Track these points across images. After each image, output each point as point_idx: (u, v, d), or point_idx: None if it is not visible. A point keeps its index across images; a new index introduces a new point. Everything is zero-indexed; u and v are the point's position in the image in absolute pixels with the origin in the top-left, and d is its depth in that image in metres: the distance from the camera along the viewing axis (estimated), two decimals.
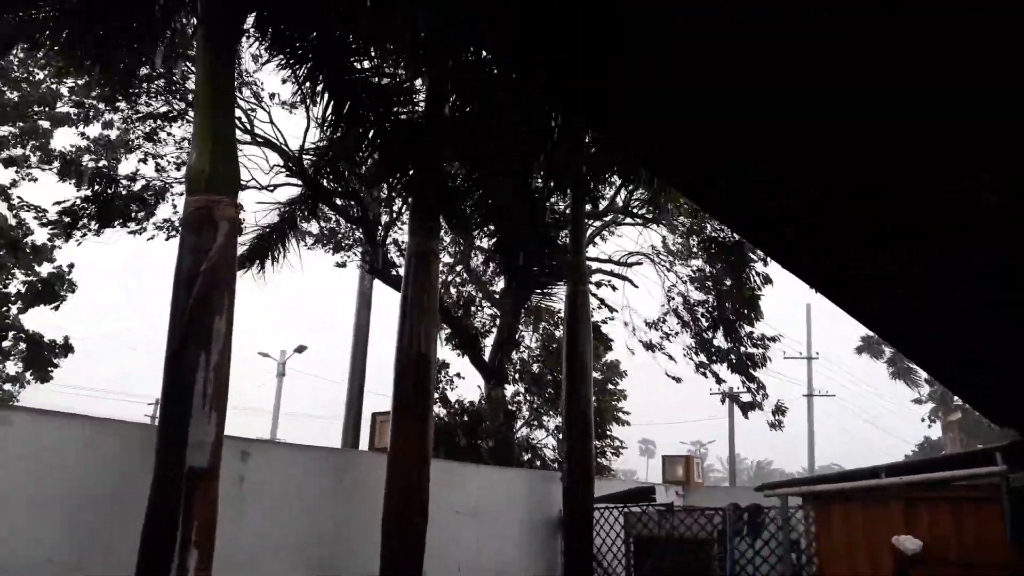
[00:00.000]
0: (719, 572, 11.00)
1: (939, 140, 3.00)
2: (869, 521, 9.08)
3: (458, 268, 16.87)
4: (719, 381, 18.36)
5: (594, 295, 18.29)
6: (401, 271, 11.13)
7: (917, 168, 3.22)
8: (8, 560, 6.46)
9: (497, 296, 17.39)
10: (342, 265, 16.63)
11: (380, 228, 14.39)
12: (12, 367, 16.88)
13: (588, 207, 16.15)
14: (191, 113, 13.67)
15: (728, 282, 17.00)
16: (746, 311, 16.85)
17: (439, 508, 9.84)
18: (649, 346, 18.57)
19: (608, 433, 19.82)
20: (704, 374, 17.92)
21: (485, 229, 10.56)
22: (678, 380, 18.65)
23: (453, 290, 17.23)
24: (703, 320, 17.70)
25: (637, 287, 19.53)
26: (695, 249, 17.61)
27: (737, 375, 17.66)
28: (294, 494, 9.21)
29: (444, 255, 15.77)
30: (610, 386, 20.62)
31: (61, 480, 6.96)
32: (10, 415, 6.93)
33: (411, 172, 10.52)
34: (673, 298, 18.38)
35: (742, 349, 17.26)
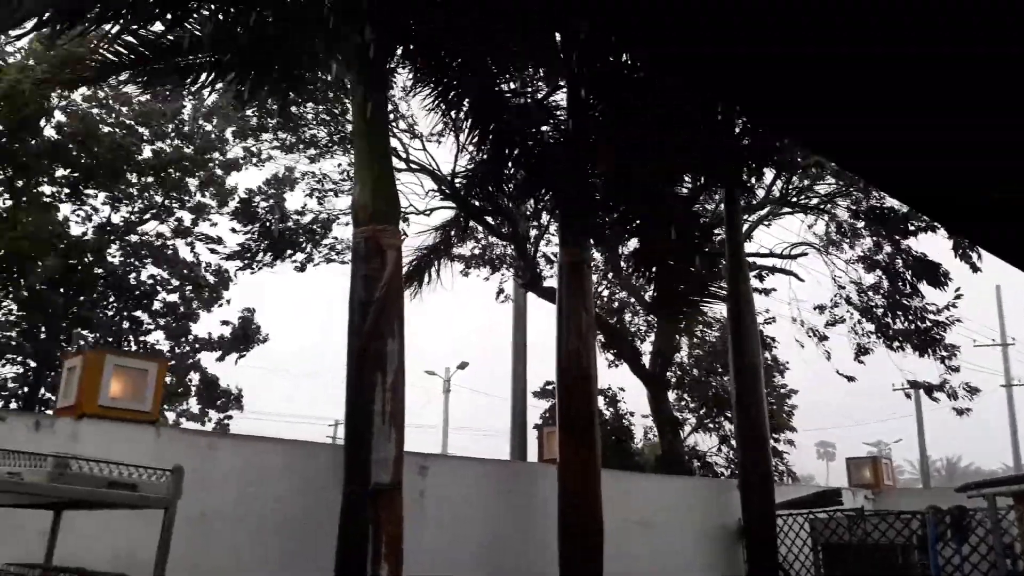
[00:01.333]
0: None
1: None
2: None
3: (610, 275, 16.80)
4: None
5: (757, 290, 17.64)
6: (554, 282, 11.22)
7: None
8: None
9: (650, 301, 17.17)
10: (500, 292, 17.00)
11: (530, 242, 14.60)
12: (195, 405, 18.42)
13: (743, 201, 15.63)
14: (349, 146, 14.58)
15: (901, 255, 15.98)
16: (926, 280, 15.74)
17: (610, 519, 9.77)
18: (821, 338, 17.66)
19: (780, 435, 18.95)
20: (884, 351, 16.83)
21: (630, 236, 10.42)
22: (851, 379, 17.58)
23: (605, 295, 17.16)
24: (878, 303, 16.68)
25: (803, 280, 18.65)
26: (860, 228, 16.61)
27: (921, 353, 16.43)
28: (471, 505, 9.48)
29: (597, 263, 15.78)
30: (776, 384, 19.71)
31: (261, 499, 7.53)
32: (216, 440, 7.60)
33: (555, 186, 10.60)
34: (843, 286, 17.39)
35: (924, 324, 16.08)
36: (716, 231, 15.92)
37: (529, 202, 13.14)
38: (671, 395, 18.65)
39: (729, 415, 15.54)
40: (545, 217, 14.44)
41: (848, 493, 14.18)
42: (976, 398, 17.26)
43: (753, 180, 14.38)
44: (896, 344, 16.58)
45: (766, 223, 18.42)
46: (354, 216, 8.28)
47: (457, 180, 13.53)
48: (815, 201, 17.13)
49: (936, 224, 14.61)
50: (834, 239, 17.74)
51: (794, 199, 17.25)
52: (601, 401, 17.29)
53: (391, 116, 12.40)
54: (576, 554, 8.95)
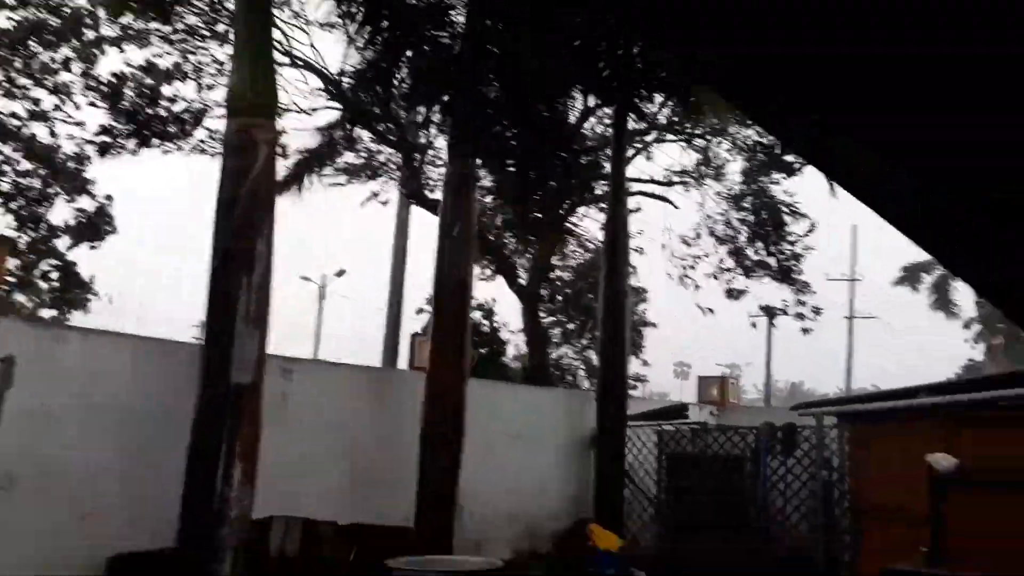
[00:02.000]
0: (751, 489, 11.15)
1: None
2: (906, 440, 9.04)
3: (494, 192, 16.76)
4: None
5: (633, 211, 18.11)
6: (439, 196, 11.09)
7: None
8: (60, 472, 6.79)
9: (533, 220, 17.32)
10: (377, 197, 16.58)
11: (418, 153, 14.28)
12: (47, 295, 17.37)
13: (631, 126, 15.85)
14: (231, 36, 13.56)
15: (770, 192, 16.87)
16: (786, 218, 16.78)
17: (476, 427, 10.05)
18: (684, 269, 18.48)
19: (640, 353, 19.92)
20: (733, 295, 17.90)
21: (517, 156, 10.36)
22: (710, 311, 18.62)
23: (489, 211, 17.17)
24: (742, 235, 17.62)
25: (678, 208, 19.25)
26: (739, 158, 17.29)
27: (778, 282, 17.63)
28: (336, 410, 9.48)
29: (483, 178, 15.68)
30: (637, 311, 20.59)
31: (111, 396, 7.24)
32: (64, 333, 7.20)
33: (449, 95, 10.35)
34: (711, 216, 18.17)
35: (782, 256, 17.20)
36: (603, 152, 16.15)
37: (419, 110, 12.79)
38: (544, 311, 19.16)
39: (595, 332, 16.12)
40: (435, 129, 14.15)
41: (696, 408, 15.17)
42: (821, 326, 18.71)
43: (641, 105, 14.57)
44: (752, 273, 17.62)
45: (648, 152, 18.82)
46: (228, 106, 7.83)
47: (345, 80, 12.93)
48: (700, 131, 17.56)
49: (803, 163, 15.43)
50: (709, 171, 18.38)
51: (678, 127, 17.61)
52: (478, 314, 17.53)
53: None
54: (435, 460, 9.18)
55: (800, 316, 18.52)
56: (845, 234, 33.80)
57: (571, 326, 19.12)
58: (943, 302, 29.23)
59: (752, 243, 17.61)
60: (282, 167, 13.85)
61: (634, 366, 19.58)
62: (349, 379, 9.90)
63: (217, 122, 15.06)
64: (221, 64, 14.40)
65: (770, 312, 18.44)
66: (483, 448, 10.74)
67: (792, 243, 17.29)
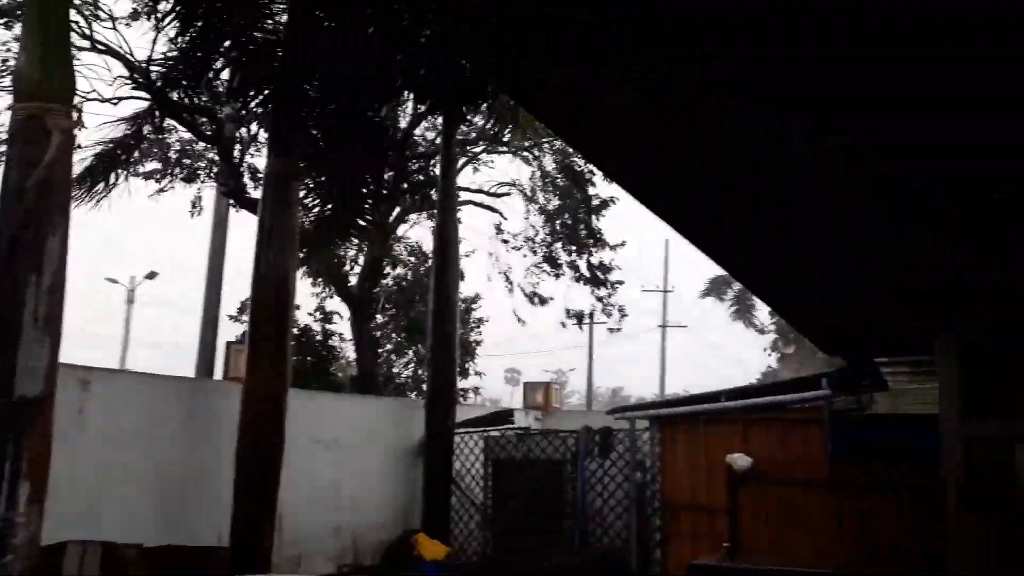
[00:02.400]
0: (571, 491, 11.55)
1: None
2: (709, 441, 9.75)
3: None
4: (573, 315, 19.22)
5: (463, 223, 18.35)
6: (259, 194, 10.61)
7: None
8: None
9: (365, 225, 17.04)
10: (197, 201, 15.68)
11: (237, 148, 13.58)
12: None
13: (460, 135, 16.05)
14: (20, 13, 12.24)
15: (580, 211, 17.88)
16: (594, 235, 17.96)
17: (297, 438, 9.73)
18: (506, 275, 19.09)
19: (469, 361, 20.09)
20: (536, 301, 18.74)
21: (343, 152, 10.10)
22: (520, 321, 19.35)
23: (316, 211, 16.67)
24: (558, 245, 18.53)
25: (506, 219, 19.72)
26: (558, 179, 18.11)
27: (591, 285, 18.58)
28: (141, 424, 8.81)
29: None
30: (471, 317, 20.83)
31: None
32: None
33: (269, 89, 9.94)
34: (534, 227, 18.90)
35: (591, 260, 18.37)
36: (432, 162, 16.21)
37: (237, 103, 12.17)
38: (376, 319, 18.88)
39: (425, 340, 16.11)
40: (255, 125, 13.53)
41: (521, 414, 15.54)
42: (640, 334, 20.06)
43: (470, 117, 14.78)
44: (561, 274, 18.68)
45: (476, 163, 19.14)
46: (15, 88, 7.05)
47: (154, 69, 12.04)
48: (527, 144, 18.10)
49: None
50: (535, 185, 19.02)
51: (506, 140, 18.05)
52: (309, 320, 16.96)
53: None
54: (252, 475, 8.76)
55: (607, 315, 19.68)
56: (662, 248, 36.08)
57: (403, 334, 18.95)
58: (743, 312, 31.92)
59: (566, 249, 18.59)
60: (83, 159, 12.73)
61: (472, 378, 19.87)
62: (157, 391, 9.22)
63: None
64: (7, 44, 12.97)
65: (578, 315, 19.42)
66: (305, 460, 10.41)
67: (601, 246, 18.36)
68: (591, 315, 19.63)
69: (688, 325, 37.54)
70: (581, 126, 3.77)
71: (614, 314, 19.61)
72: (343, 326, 17.48)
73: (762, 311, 30.54)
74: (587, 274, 18.62)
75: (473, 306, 20.23)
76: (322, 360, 16.56)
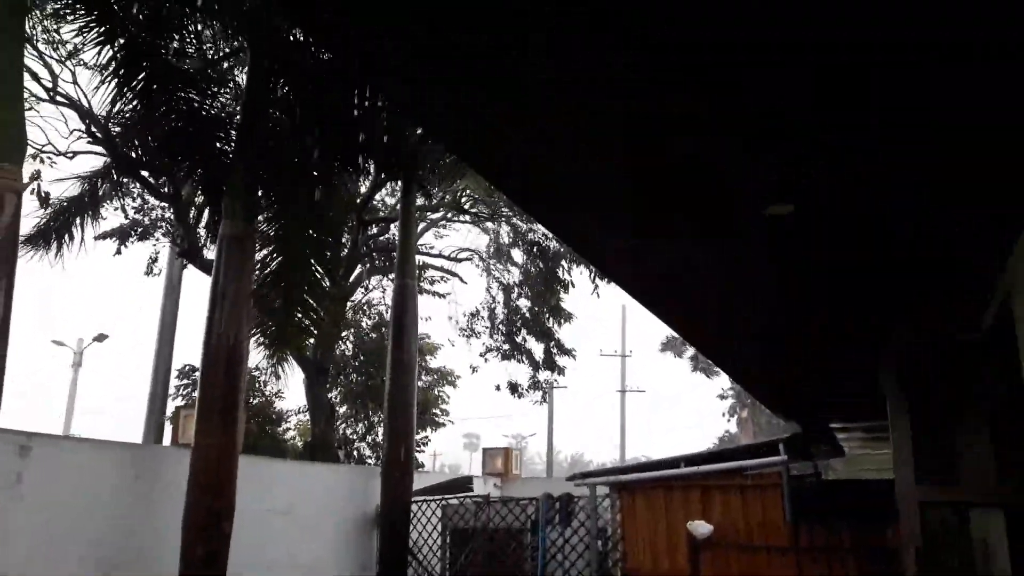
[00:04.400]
0: (531, 561, 11.32)
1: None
2: (669, 507, 9.69)
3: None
4: (529, 384, 19.21)
5: (424, 290, 18.42)
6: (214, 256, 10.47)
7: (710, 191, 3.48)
8: None
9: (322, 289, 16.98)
10: (153, 261, 15.49)
11: (194, 208, 13.46)
12: None
13: (420, 200, 16.22)
14: None
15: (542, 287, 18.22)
16: (556, 316, 18.26)
17: (248, 508, 9.42)
18: (470, 334, 19.14)
19: (430, 426, 19.82)
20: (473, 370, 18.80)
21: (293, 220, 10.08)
22: (474, 369, 19.46)
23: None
24: (517, 321, 18.67)
25: (466, 283, 19.89)
26: (521, 252, 18.42)
27: (543, 371, 18.73)
28: (84, 492, 8.44)
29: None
30: (436, 388, 20.67)
31: None
32: None
33: (206, 155, 9.89)
34: (494, 297, 19.03)
35: (549, 346, 18.51)
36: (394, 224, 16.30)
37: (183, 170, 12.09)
38: (330, 385, 18.59)
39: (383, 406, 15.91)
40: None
41: (480, 481, 15.30)
42: (599, 400, 20.50)
43: (428, 179, 14.96)
44: (519, 358, 18.94)
45: (441, 225, 19.33)
46: None
47: (114, 127, 11.95)
48: (486, 214, 18.38)
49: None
50: (497, 251, 19.24)
51: (466, 206, 18.30)
52: (262, 385, 16.59)
53: (31, 24, 10.53)
54: (200, 546, 8.42)
55: (536, 387, 19.71)
56: (616, 317, 36.43)
57: (359, 400, 18.66)
58: (701, 364, 31.95)
59: (527, 329, 18.71)
60: (35, 216, 12.51)
61: (432, 444, 19.69)
62: (102, 457, 8.88)
63: None
64: None
65: (513, 386, 19.41)
66: (257, 530, 10.08)
67: (560, 321, 18.49)
68: (550, 384, 19.61)
69: (646, 390, 37.68)
70: (540, 193, 3.83)
71: (545, 387, 19.82)
72: (298, 391, 17.18)
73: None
74: (542, 359, 18.81)
75: (447, 376, 20.18)
76: (275, 426, 16.16)
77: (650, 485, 10.04)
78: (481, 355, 19.28)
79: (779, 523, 8.75)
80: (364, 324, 19.22)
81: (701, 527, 8.54)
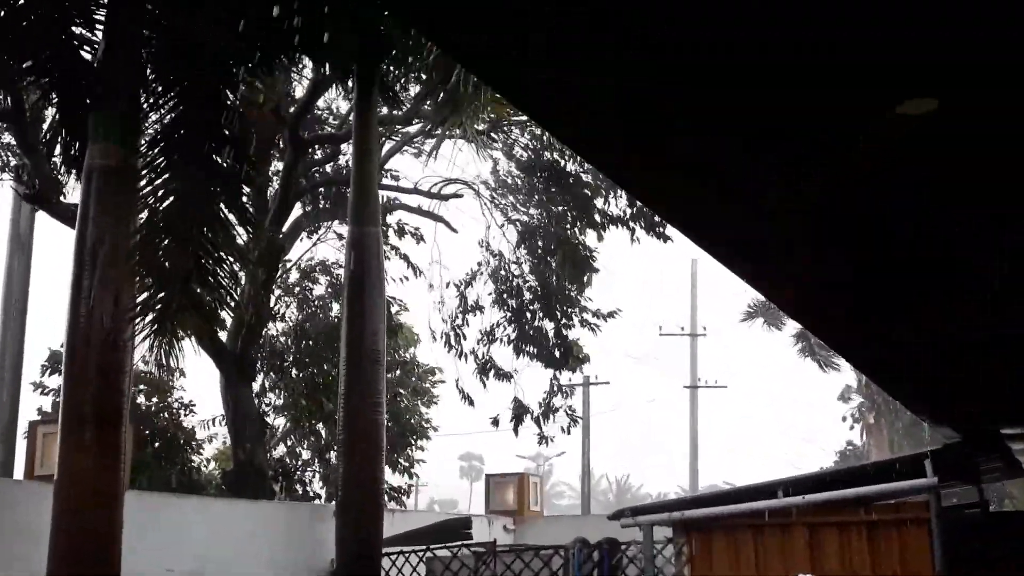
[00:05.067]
0: None
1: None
2: (761, 555, 9.67)
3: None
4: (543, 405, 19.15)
5: (393, 248, 18.34)
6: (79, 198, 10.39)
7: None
8: None
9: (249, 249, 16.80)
10: None
11: (46, 128, 13.33)
12: None
13: (385, 110, 16.05)
14: None
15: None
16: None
17: (141, 567, 9.47)
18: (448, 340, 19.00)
19: (411, 448, 19.91)
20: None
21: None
22: (471, 402, 19.23)
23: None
24: (526, 291, 18.56)
25: (455, 231, 19.71)
26: (536, 181, 18.25)
27: (554, 367, 19.01)
28: None
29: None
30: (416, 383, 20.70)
31: None
32: None
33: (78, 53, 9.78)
34: (495, 254, 18.90)
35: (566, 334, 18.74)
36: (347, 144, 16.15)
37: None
38: (258, 386, 18.60)
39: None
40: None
41: (483, 522, 15.34)
42: (656, 402, 20.29)
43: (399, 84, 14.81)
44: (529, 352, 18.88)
45: (419, 150, 19.14)
46: None
47: None
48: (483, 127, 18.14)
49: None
50: (499, 184, 19.12)
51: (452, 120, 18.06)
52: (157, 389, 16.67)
53: None
54: None
55: (543, 417, 19.40)
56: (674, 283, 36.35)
57: (304, 407, 18.73)
58: (811, 347, 31.33)
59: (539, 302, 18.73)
60: None
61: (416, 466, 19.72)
62: None
63: None
64: None
65: (518, 412, 19.16)
66: None
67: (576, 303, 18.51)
68: (519, 413, 19.28)
69: (727, 386, 37.60)
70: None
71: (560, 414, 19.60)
72: (212, 395, 17.21)
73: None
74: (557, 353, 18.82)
75: (422, 371, 20.20)
76: (177, 447, 16.24)
77: (733, 523, 10.00)
78: (480, 341, 19.12)
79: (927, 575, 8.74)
80: (311, 294, 19.18)
81: None
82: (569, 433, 19.78)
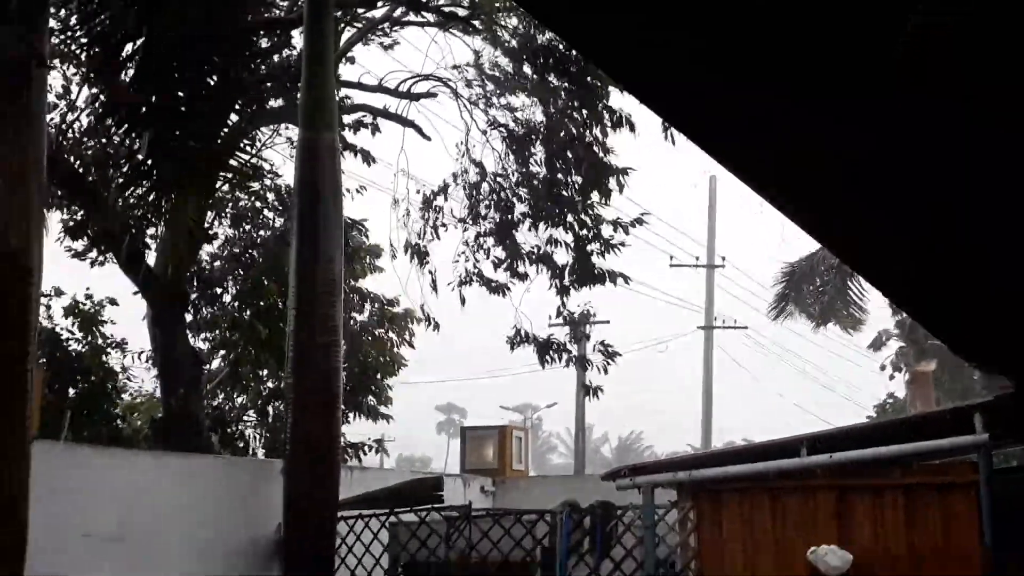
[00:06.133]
0: None
1: None
2: (779, 523, 9.73)
3: (96, 94, 15.91)
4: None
5: (351, 147, 18.18)
6: None
7: None
8: None
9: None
10: None
11: None
12: None
13: None
14: None
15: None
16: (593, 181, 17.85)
17: (53, 531, 9.57)
18: (418, 253, 18.84)
19: (376, 394, 19.93)
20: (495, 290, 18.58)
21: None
22: (435, 325, 19.07)
23: (83, 126, 16.25)
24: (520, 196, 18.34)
25: (429, 139, 19.51)
26: (527, 71, 17.93)
27: (583, 284, 18.50)
28: None
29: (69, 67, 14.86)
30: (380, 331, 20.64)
31: None
32: None
33: None
34: (476, 163, 18.71)
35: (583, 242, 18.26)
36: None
37: None
38: (198, 322, 18.59)
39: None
40: None
41: (457, 482, 15.44)
42: (667, 350, 20.00)
43: None
44: (522, 272, 18.66)
45: (382, 36, 18.89)
46: None
47: None
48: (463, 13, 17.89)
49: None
50: (483, 77, 18.85)
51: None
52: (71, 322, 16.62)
53: None
54: None
55: (580, 362, 19.44)
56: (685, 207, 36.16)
57: (249, 347, 18.72)
58: (833, 307, 31.41)
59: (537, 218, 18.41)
60: None
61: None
62: None
63: None
64: None
65: (543, 346, 18.83)
66: (65, 566, 10.20)
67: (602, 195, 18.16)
68: (545, 347, 18.95)
69: (748, 326, 37.70)
70: None
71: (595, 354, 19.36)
72: (137, 331, 17.20)
73: (873, 301, 30.48)
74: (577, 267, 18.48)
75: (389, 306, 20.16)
76: (97, 391, 16.26)
77: (747, 486, 10.07)
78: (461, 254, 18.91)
79: (971, 550, 8.79)
80: (254, 213, 19.10)
81: (833, 558, 8.60)
82: (607, 373, 19.40)
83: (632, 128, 17.38)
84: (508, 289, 18.71)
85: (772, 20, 3.70)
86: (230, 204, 18.74)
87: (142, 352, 17.81)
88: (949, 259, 6.53)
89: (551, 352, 18.67)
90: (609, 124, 17.55)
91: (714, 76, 4.17)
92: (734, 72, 4.08)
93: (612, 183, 17.98)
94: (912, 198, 5.50)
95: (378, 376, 19.73)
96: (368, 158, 18.89)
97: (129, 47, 13.42)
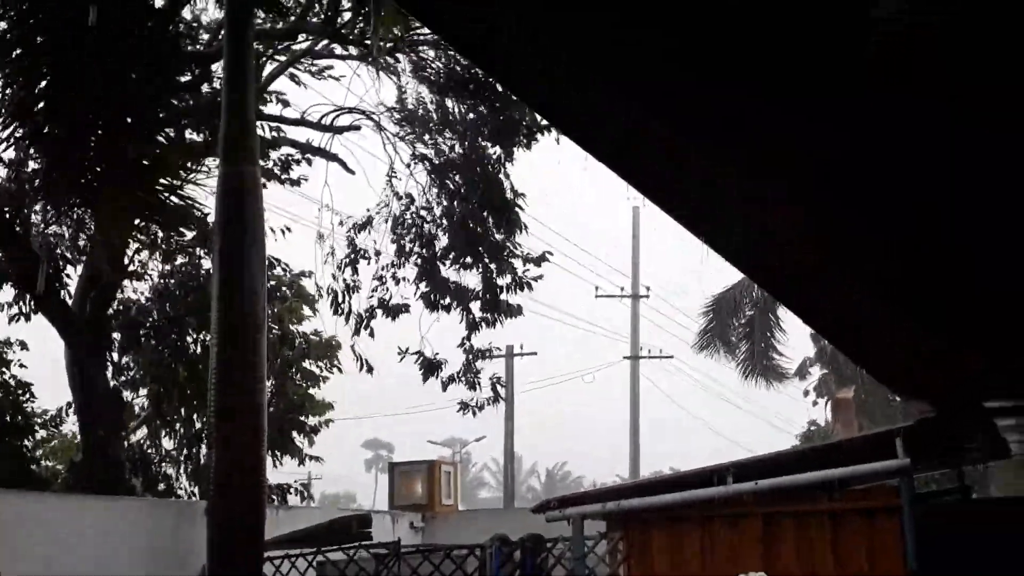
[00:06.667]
0: None
1: None
2: (710, 551, 9.79)
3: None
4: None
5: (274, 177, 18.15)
6: None
7: None
8: None
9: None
10: None
11: None
12: None
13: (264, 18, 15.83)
14: None
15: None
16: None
17: None
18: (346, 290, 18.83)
19: (303, 429, 19.82)
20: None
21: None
22: (369, 368, 19.01)
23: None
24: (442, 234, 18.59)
25: (353, 173, 19.49)
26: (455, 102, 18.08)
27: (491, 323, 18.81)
28: None
29: None
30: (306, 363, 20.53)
31: None
32: None
33: None
34: (400, 196, 18.79)
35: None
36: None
37: None
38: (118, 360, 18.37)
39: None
40: None
41: (386, 518, 15.36)
42: (593, 379, 20.21)
43: None
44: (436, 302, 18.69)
45: (306, 68, 18.86)
46: None
47: None
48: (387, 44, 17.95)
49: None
50: (404, 111, 18.93)
51: (347, 34, 17.86)
52: None
53: None
54: None
55: (471, 383, 19.32)
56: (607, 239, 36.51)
57: (161, 390, 18.56)
58: (759, 356, 31.82)
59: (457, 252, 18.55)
60: None
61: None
62: None
63: None
64: None
65: (430, 366, 18.81)
66: None
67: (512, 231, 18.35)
68: (433, 367, 18.94)
69: (673, 355, 37.99)
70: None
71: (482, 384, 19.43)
72: (52, 368, 16.97)
73: (794, 335, 30.88)
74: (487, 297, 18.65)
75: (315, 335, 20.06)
76: (11, 431, 16.02)
77: (676, 515, 10.12)
78: (373, 307, 18.93)
79: (896, 574, 8.88)
80: (176, 249, 18.93)
81: None
82: (499, 401, 19.40)
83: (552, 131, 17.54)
84: (405, 310, 18.86)
85: (720, 17, 3.72)
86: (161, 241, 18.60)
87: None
88: (875, 289, 6.62)
89: (439, 372, 18.76)
90: (524, 139, 17.75)
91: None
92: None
93: (517, 210, 18.35)
94: (864, 210, 5.56)
95: (304, 418, 19.62)
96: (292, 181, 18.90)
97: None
